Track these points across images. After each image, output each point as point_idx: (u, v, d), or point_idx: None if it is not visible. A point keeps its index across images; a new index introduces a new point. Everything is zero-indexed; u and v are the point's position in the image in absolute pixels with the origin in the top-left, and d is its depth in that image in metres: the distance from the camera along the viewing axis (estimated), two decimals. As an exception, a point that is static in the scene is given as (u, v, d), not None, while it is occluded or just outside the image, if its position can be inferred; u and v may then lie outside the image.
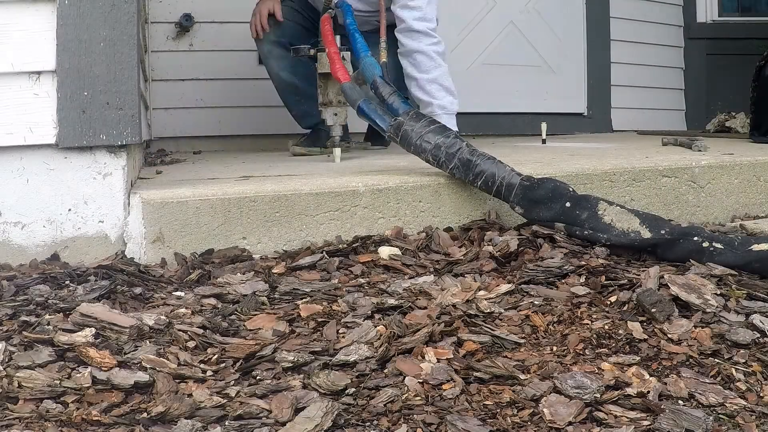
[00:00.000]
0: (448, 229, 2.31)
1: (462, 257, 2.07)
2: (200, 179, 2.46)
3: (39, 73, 2.08)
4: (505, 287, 1.90)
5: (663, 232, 2.03)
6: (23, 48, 2.06)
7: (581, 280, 1.94)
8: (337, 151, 2.97)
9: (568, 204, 2.15)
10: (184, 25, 4.10)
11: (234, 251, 2.16)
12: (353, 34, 2.80)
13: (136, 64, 2.12)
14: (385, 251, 2.13)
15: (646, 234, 2.04)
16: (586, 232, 2.10)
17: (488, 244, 2.15)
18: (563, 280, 1.94)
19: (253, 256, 2.16)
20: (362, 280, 1.99)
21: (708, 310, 1.76)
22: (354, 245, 2.17)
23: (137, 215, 2.13)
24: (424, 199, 2.34)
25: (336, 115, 3.02)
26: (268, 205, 2.21)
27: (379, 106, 2.52)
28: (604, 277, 1.93)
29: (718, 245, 1.99)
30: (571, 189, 2.20)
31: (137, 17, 2.18)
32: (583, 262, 2.01)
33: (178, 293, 1.90)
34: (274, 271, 2.03)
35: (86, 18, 2.07)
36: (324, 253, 2.12)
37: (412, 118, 2.36)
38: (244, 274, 2.01)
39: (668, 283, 1.83)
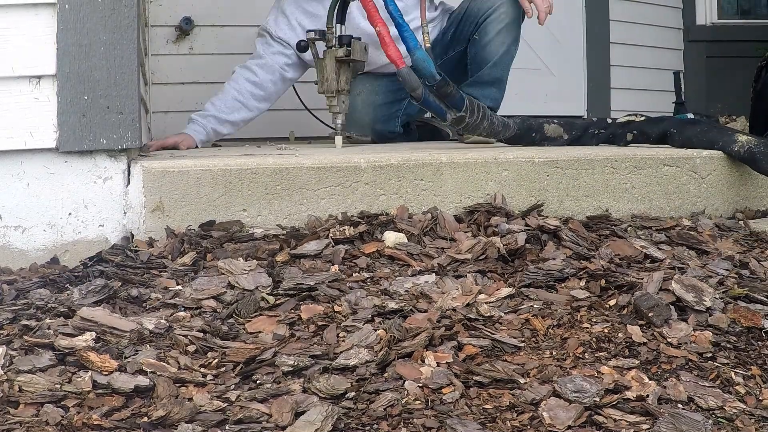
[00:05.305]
0: (459, 219, 2.32)
1: (469, 256, 2.07)
2: (202, 155, 2.48)
3: (39, 77, 2.09)
4: (505, 291, 1.90)
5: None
6: (24, 52, 2.07)
7: (581, 284, 1.94)
8: (339, 138, 2.98)
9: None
10: (184, 28, 4.10)
11: (234, 225, 2.17)
12: (400, 22, 2.78)
13: (136, 68, 2.13)
14: (390, 238, 2.13)
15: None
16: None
17: (494, 233, 2.16)
18: (563, 284, 1.94)
19: (255, 231, 2.16)
20: (366, 275, 1.99)
21: (706, 312, 1.76)
22: (360, 228, 2.15)
23: (137, 184, 2.14)
24: (425, 177, 2.35)
25: (344, 102, 3.05)
26: (269, 178, 2.22)
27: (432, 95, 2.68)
28: (604, 281, 1.93)
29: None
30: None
31: (137, 21, 2.18)
32: (584, 265, 2.01)
33: (176, 288, 1.90)
34: (277, 258, 2.03)
35: (86, 22, 2.07)
36: (331, 239, 2.11)
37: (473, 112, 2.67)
38: (246, 260, 2.01)
39: (672, 283, 1.83)
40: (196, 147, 3.14)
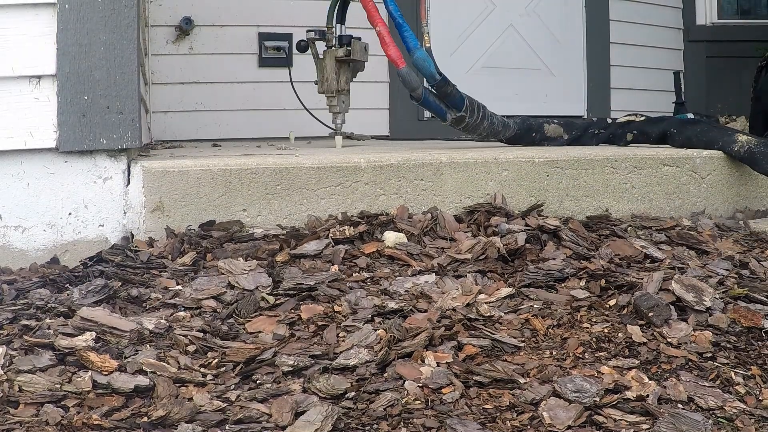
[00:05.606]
0: (459, 219, 2.32)
1: (469, 256, 2.06)
2: (202, 155, 2.49)
3: (39, 77, 2.09)
4: (505, 291, 1.90)
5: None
6: (24, 52, 2.07)
7: (581, 284, 1.94)
8: (339, 138, 2.98)
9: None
10: (184, 28, 4.10)
11: (234, 225, 2.17)
12: (399, 22, 2.74)
13: (136, 68, 2.13)
14: (390, 238, 2.13)
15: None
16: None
17: (494, 233, 2.16)
18: (563, 284, 1.94)
19: (255, 231, 2.17)
20: (366, 275, 1.99)
21: (706, 312, 1.76)
22: (360, 228, 2.16)
23: (137, 184, 2.14)
24: (425, 177, 2.35)
25: (344, 102, 3.05)
26: (269, 178, 2.22)
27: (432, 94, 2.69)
28: (604, 281, 1.93)
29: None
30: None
31: (137, 21, 2.18)
32: (584, 265, 2.01)
33: (176, 288, 1.90)
34: (277, 258, 2.03)
35: (86, 22, 2.07)
36: (331, 239, 2.11)
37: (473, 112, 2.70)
38: (246, 260, 2.01)
39: (672, 283, 1.83)
40: None
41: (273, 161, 2.25)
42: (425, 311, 1.80)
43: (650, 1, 5.34)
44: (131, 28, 2.10)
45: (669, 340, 1.67)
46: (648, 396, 1.45)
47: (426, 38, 2.77)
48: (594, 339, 1.67)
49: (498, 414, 1.41)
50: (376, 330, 1.70)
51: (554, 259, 2.04)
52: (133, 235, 2.15)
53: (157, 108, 4.11)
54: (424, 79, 2.72)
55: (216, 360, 1.60)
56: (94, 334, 1.64)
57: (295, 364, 1.56)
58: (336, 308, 1.81)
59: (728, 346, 1.66)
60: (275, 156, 2.38)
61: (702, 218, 2.50)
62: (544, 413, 1.40)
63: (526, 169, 2.43)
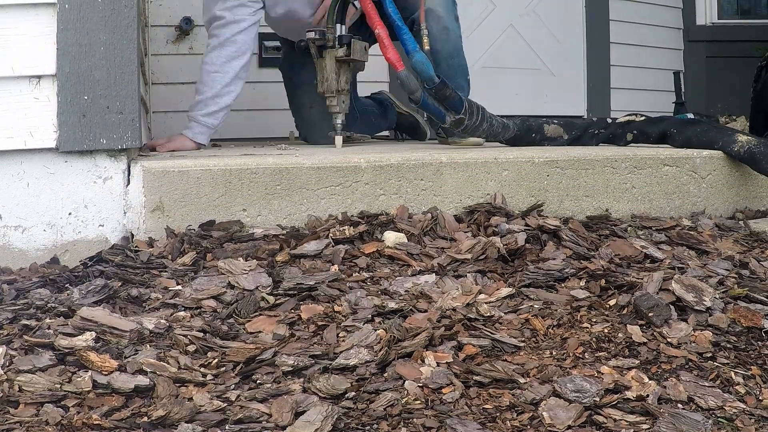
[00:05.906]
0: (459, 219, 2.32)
1: (469, 256, 2.07)
2: (202, 155, 2.50)
3: (39, 77, 2.09)
4: (505, 291, 1.90)
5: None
6: (24, 52, 2.07)
7: (581, 284, 1.94)
8: (339, 138, 2.98)
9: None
10: (184, 28, 4.10)
11: (234, 225, 2.18)
12: (399, 24, 2.73)
13: (136, 68, 2.13)
14: (390, 238, 2.13)
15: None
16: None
17: (494, 233, 2.16)
18: (563, 284, 1.94)
19: (255, 231, 2.17)
20: (366, 275, 1.99)
21: (706, 312, 1.76)
22: (360, 228, 2.16)
23: (137, 184, 2.15)
24: (425, 177, 2.35)
25: (344, 102, 3.05)
26: (269, 178, 2.22)
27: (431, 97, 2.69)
28: (604, 281, 1.93)
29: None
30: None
31: (137, 21, 2.18)
32: (584, 265, 2.01)
33: (176, 288, 1.90)
34: (277, 258, 2.03)
35: (86, 22, 2.07)
36: (331, 239, 2.11)
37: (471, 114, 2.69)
38: (246, 260, 2.01)
39: (672, 283, 1.83)
40: (203, 146, 3.00)
41: (273, 161, 2.25)
42: (425, 311, 1.80)
43: (650, 1, 5.34)
44: (131, 28, 2.10)
45: (669, 340, 1.67)
46: (648, 396, 1.45)
47: (425, 41, 2.76)
48: (594, 339, 1.67)
49: (498, 414, 1.41)
50: (376, 330, 1.70)
51: (554, 259, 2.04)
52: (133, 235, 2.15)
53: (157, 108, 4.11)
54: (423, 82, 2.72)
55: (216, 360, 1.60)
56: (94, 334, 1.64)
57: (295, 364, 1.56)
58: (336, 308, 1.82)
59: (728, 346, 1.66)
60: (275, 156, 2.38)
61: (702, 218, 2.50)
62: (544, 413, 1.40)
63: (526, 169, 2.43)
